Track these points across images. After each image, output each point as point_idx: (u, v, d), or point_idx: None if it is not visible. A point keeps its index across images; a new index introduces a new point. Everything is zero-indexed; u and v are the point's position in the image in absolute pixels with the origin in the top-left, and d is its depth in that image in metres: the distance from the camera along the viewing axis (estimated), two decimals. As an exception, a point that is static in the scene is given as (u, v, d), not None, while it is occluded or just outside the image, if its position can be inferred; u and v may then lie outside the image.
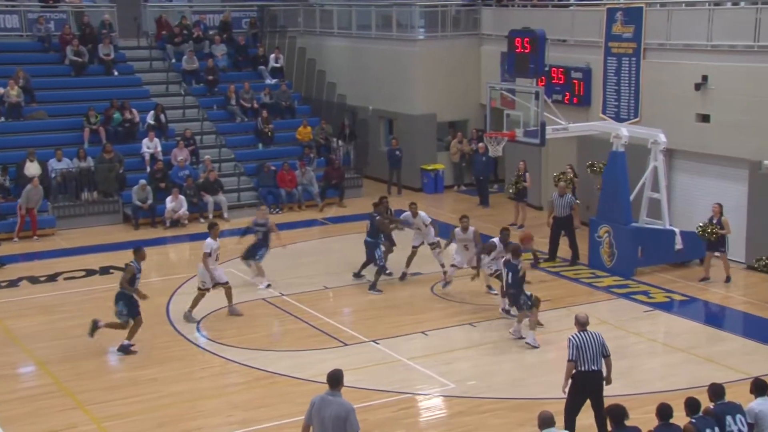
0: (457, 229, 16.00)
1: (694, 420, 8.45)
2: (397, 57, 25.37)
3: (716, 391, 8.84)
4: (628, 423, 8.34)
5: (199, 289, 14.96)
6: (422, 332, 14.16)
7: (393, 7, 26.45)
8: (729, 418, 8.55)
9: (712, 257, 16.44)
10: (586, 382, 9.98)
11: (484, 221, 21.51)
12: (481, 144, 22.37)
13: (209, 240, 14.92)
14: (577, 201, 18.86)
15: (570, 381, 10.07)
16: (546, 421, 8.26)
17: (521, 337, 13.74)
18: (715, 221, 16.33)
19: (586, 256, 17.86)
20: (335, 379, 8.37)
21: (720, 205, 16.42)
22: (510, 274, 14.01)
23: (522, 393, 11.93)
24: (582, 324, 10.14)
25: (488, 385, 12.18)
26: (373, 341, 13.85)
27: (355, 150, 25.26)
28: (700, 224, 16.45)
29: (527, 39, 17.32)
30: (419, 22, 25.80)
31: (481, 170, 23.12)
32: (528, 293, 13.82)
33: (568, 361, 10.01)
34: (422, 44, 25.27)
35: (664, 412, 8.46)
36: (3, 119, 22.51)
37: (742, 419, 8.62)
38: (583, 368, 9.95)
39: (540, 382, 12.18)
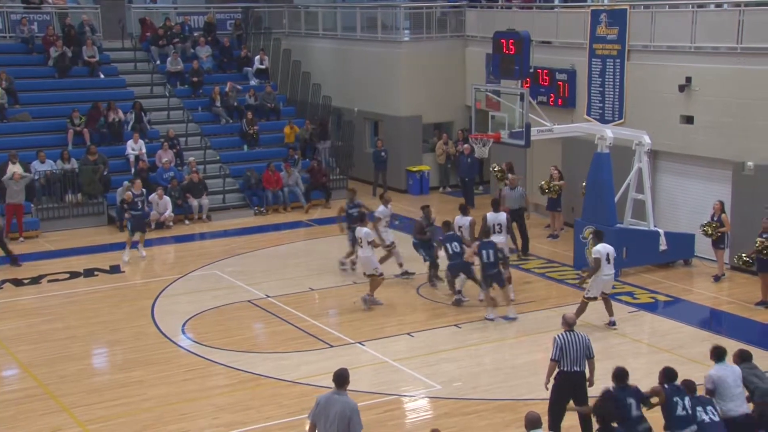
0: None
1: (666, 386, 9.05)
2: (383, 58, 25.37)
3: (669, 374, 9.26)
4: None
5: (371, 276, 15.32)
6: (408, 333, 14.16)
7: (378, 9, 26.45)
8: (677, 399, 9.04)
9: (722, 253, 16.59)
10: (568, 383, 10.00)
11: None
12: (466, 145, 22.41)
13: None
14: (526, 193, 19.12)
15: (553, 381, 10.09)
16: (533, 421, 8.28)
17: (504, 317, 14.42)
18: (716, 219, 16.46)
19: (571, 257, 17.91)
20: (341, 379, 8.53)
21: (721, 203, 16.58)
22: (490, 253, 14.47)
23: (508, 394, 11.94)
24: (569, 324, 10.18)
25: (474, 386, 12.19)
26: (359, 343, 13.83)
27: (332, 150, 25.14)
28: (703, 224, 16.57)
29: (512, 41, 17.37)
30: (404, 23, 25.81)
31: (466, 172, 23.14)
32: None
33: (551, 360, 10.05)
34: (407, 46, 25.29)
35: (620, 375, 9.13)
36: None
37: (689, 402, 9.06)
38: (565, 369, 9.97)
39: (526, 383, 12.20)
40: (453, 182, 24.95)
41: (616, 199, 17.38)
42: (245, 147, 24.38)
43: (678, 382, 9.31)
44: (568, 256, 18.10)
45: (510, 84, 17.99)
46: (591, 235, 14.98)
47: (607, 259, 13.90)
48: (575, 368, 9.95)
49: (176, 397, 12.03)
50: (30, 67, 24.48)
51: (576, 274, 16.12)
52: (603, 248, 13.95)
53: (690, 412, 8.98)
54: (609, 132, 17.30)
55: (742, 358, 9.82)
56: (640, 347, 13.82)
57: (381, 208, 17.30)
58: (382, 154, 24.56)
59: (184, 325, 14.79)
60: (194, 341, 14.08)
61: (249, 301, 15.93)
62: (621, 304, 15.49)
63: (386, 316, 15.13)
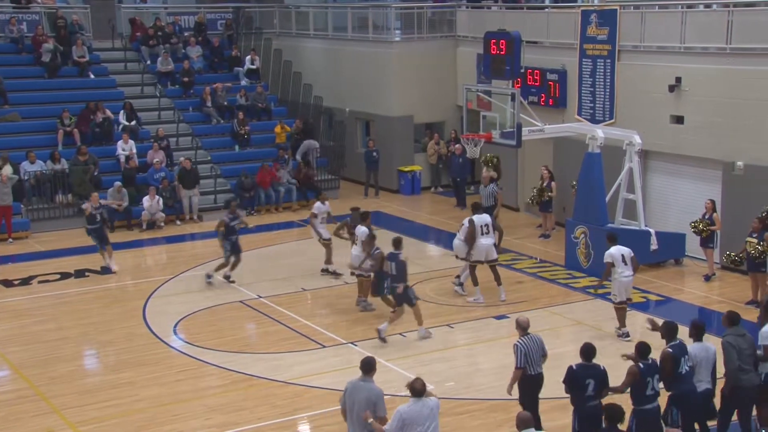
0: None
1: (641, 365, 9.35)
2: (374, 58, 25.38)
3: (643, 350, 9.54)
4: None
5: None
6: (400, 334, 14.16)
7: (369, 9, 26.45)
8: (649, 380, 9.33)
9: (711, 252, 16.69)
10: (534, 384, 10.09)
11: (460, 222, 21.58)
12: (457, 145, 22.45)
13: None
14: (500, 189, 19.20)
15: (517, 385, 10.10)
16: (525, 421, 8.30)
17: (427, 336, 13.89)
18: (707, 217, 16.53)
19: (562, 257, 17.96)
20: (368, 366, 8.80)
21: (712, 201, 16.66)
22: (393, 265, 13.84)
23: (500, 394, 11.89)
24: (524, 328, 10.14)
25: (466, 386, 12.21)
26: (351, 343, 13.83)
27: (325, 151, 25.15)
28: (693, 221, 16.65)
29: (503, 41, 17.42)
30: (395, 23, 25.82)
31: (457, 172, 23.18)
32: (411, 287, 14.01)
33: (517, 368, 10.00)
34: (398, 46, 25.30)
35: (586, 352, 9.42)
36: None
37: (657, 380, 9.44)
38: (531, 372, 10.00)
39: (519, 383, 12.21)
40: (444, 182, 24.98)
41: (607, 198, 17.44)
42: (236, 147, 24.35)
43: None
44: (559, 256, 18.14)
45: (501, 84, 18.03)
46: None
47: (623, 261, 13.66)
48: (539, 370, 10.08)
49: (168, 397, 12.01)
50: (19, 67, 24.39)
51: (592, 281, 15.33)
52: (617, 251, 13.72)
53: (657, 390, 9.42)
54: (600, 132, 17.36)
55: (732, 320, 10.13)
56: (631, 347, 13.80)
57: (317, 204, 17.47)
58: (374, 154, 24.57)
59: (176, 325, 14.76)
60: (186, 342, 14.05)
61: (241, 301, 15.92)
62: (613, 303, 15.52)
63: (378, 316, 15.11)
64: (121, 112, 23.38)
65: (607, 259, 13.70)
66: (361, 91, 25.73)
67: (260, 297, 16.08)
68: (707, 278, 16.70)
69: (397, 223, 21.19)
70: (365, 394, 8.63)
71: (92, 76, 24.81)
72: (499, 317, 14.95)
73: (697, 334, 10.03)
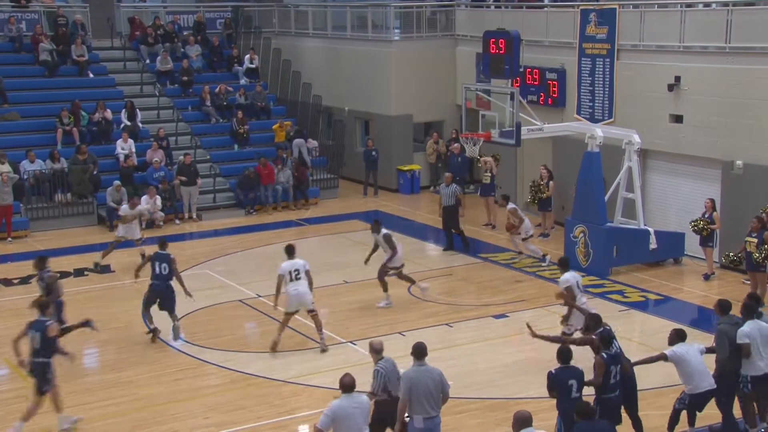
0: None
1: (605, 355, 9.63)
2: (373, 58, 25.38)
3: (606, 339, 9.82)
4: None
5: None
6: (399, 333, 14.18)
7: (368, 8, 26.45)
8: (613, 368, 9.60)
9: (710, 251, 16.70)
10: (387, 410, 9.34)
11: (460, 221, 21.58)
12: (456, 144, 22.45)
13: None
14: (461, 191, 19.36)
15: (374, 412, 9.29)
16: (522, 420, 8.28)
17: None
18: (707, 216, 16.54)
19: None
20: (422, 350, 9.17)
21: (712, 200, 16.67)
22: (163, 267, 13.48)
23: (499, 393, 11.98)
24: (378, 351, 9.54)
25: (465, 385, 12.20)
26: (351, 342, 13.84)
27: (324, 150, 25.17)
28: (693, 220, 16.66)
29: (502, 40, 17.43)
30: (394, 22, 25.82)
31: (456, 171, 23.12)
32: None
33: (374, 394, 9.30)
34: (398, 45, 25.30)
35: (563, 355, 9.43)
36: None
37: (619, 369, 9.71)
38: (394, 395, 9.33)
39: (516, 382, 12.24)
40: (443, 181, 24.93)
41: (606, 198, 17.44)
42: (236, 146, 24.35)
43: None
44: (558, 255, 18.10)
45: (500, 83, 18.04)
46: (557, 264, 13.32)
47: (578, 287, 12.69)
48: (397, 394, 9.24)
49: (167, 396, 12.01)
50: (19, 66, 24.37)
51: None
52: (572, 276, 12.63)
53: (619, 378, 9.66)
54: (599, 131, 17.37)
55: (723, 309, 10.40)
56: (631, 345, 13.85)
57: (124, 206, 18.25)
58: (373, 153, 24.56)
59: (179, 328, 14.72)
60: (185, 341, 14.04)
61: (240, 300, 15.92)
62: (611, 302, 15.56)
63: (377, 315, 15.15)
64: (123, 111, 23.38)
65: (564, 285, 12.56)
66: (360, 90, 25.72)
67: (259, 296, 16.09)
68: (707, 277, 16.71)
69: (396, 222, 21.18)
70: (432, 375, 9.08)
71: (91, 76, 24.80)
72: (498, 316, 14.96)
73: (748, 313, 10.29)
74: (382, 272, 15.36)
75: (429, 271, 17.61)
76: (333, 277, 17.10)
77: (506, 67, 17.41)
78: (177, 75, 25.44)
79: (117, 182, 21.15)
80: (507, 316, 14.92)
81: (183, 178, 21.73)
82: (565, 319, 12.91)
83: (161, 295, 13.82)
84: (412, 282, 15.82)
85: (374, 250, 15.55)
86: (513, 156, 21.79)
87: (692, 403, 10.16)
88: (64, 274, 17.58)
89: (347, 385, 8.69)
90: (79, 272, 17.74)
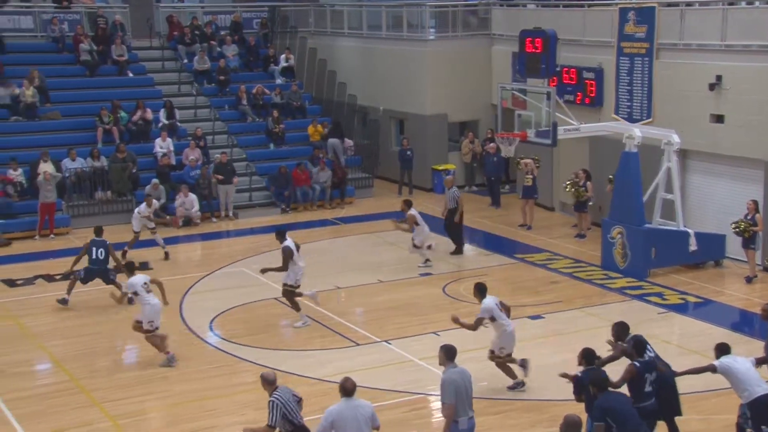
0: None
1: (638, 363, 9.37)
2: (408, 57, 25.37)
3: (639, 346, 9.64)
4: None
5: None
6: (434, 332, 14.14)
7: (403, 8, 26.45)
8: (647, 376, 9.38)
9: (753, 253, 16.42)
10: None
11: (495, 221, 21.56)
12: (492, 144, 22.37)
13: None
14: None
15: None
16: (572, 426, 8.05)
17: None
18: (749, 217, 16.29)
19: (598, 257, 17.81)
20: (454, 352, 9.32)
21: (755, 202, 16.40)
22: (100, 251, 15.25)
23: (534, 394, 11.90)
24: (271, 382, 9.13)
25: (500, 385, 12.14)
26: (385, 341, 13.84)
27: (359, 150, 25.24)
28: (735, 221, 16.42)
29: (538, 39, 17.33)
30: (430, 22, 25.78)
31: (492, 171, 23.11)
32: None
33: (270, 426, 8.99)
34: (433, 44, 25.25)
35: (589, 356, 9.36)
36: (19, 119, 22.62)
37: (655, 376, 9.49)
38: (296, 423, 9.12)
39: (552, 384, 12.11)
40: (479, 181, 24.89)
41: (645, 198, 17.25)
42: (271, 145, 24.50)
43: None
44: (595, 256, 17.99)
45: (536, 83, 17.95)
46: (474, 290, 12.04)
47: (501, 308, 11.80)
48: (301, 421, 9.14)
49: (203, 393, 12.11)
50: (60, 66, 24.73)
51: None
52: (491, 300, 11.69)
53: (654, 387, 9.42)
54: (637, 131, 17.18)
55: (722, 350, 9.89)
56: (669, 348, 13.69)
57: (142, 206, 18.48)
58: (408, 152, 24.55)
59: (211, 321, 14.88)
60: (221, 338, 14.16)
61: (275, 298, 15.99)
62: (650, 305, 15.38)
63: (412, 315, 15.14)
64: (161, 110, 23.64)
65: (481, 314, 11.66)
66: (395, 89, 25.73)
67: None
68: (749, 280, 16.44)
69: (431, 221, 21.07)
70: (467, 376, 9.25)
71: (131, 75, 25.10)
72: (534, 317, 14.87)
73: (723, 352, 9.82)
74: (288, 292, 14.49)
75: (463, 271, 17.56)
76: (367, 277, 17.13)
77: (542, 67, 17.31)
78: (214, 74, 25.66)
79: (155, 180, 21.38)
80: (543, 318, 14.82)
81: (219, 177, 21.92)
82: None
83: (99, 275, 15.43)
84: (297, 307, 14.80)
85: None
86: (549, 156, 21.64)
87: (754, 414, 9.48)
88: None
89: (348, 390, 8.60)
90: (118, 269, 17.91)
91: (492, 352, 11.94)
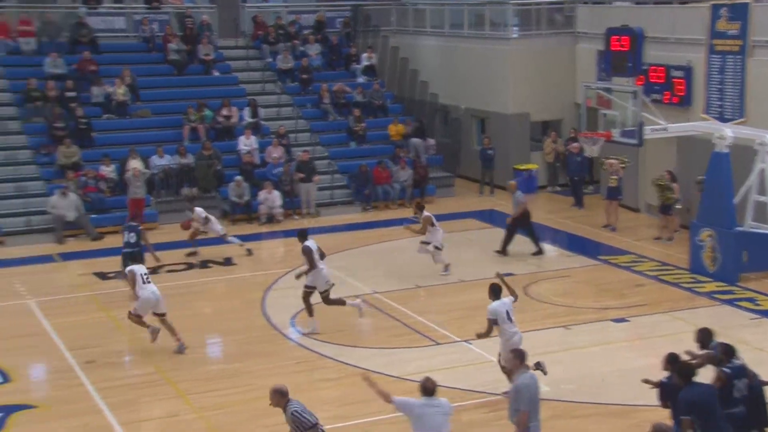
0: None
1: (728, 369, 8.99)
2: (490, 56, 25.20)
3: (729, 351, 9.20)
4: None
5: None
6: (515, 333, 14.00)
7: (486, 6, 26.29)
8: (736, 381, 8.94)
9: None
10: None
11: (579, 222, 21.25)
12: (575, 144, 22.04)
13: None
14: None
15: None
16: None
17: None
18: None
19: (686, 260, 17.35)
20: (526, 356, 9.19)
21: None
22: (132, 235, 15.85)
23: (618, 398, 11.68)
24: (284, 394, 9.01)
25: (583, 389, 11.97)
26: (465, 341, 13.79)
27: (440, 149, 25.21)
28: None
29: (625, 37, 17.04)
30: (513, 20, 25.56)
31: (576, 171, 22.75)
32: None
33: None
34: (516, 43, 25.02)
35: (674, 360, 9.01)
36: (111, 117, 23.35)
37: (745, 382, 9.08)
38: None
39: (637, 388, 11.84)
40: (562, 181, 24.56)
41: (736, 201, 16.72)
42: (353, 143, 24.67)
43: None
44: (682, 259, 17.54)
45: (622, 81, 17.61)
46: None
47: (508, 317, 11.52)
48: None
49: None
50: (150, 66, 25.41)
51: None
52: (501, 306, 11.41)
53: (744, 394, 9.06)
54: (728, 131, 16.67)
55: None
56: (763, 356, 13.25)
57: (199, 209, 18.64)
58: (489, 152, 24.40)
59: (293, 318, 15.07)
60: (303, 334, 14.32)
61: (356, 296, 16.09)
62: (741, 310, 14.91)
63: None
64: (246, 108, 24.07)
65: (490, 316, 11.38)
66: (476, 88, 25.59)
67: (375, 292, 16.24)
68: None
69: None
70: (537, 381, 9.17)
71: (217, 74, 25.63)
72: (618, 320, 14.59)
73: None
74: (306, 295, 14.26)
75: (545, 272, 17.36)
76: (447, 276, 17.09)
77: (629, 65, 17.03)
78: (297, 73, 25.98)
79: (238, 177, 21.79)
80: (627, 321, 14.53)
81: (301, 175, 22.19)
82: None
83: (131, 258, 15.66)
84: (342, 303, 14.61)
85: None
86: (635, 157, 21.17)
87: None
88: (190, 266, 18.27)
89: (428, 390, 8.61)
90: (204, 264, 18.36)
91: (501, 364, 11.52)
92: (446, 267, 17.09)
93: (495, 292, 11.52)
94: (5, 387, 12.38)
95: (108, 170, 21.52)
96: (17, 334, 14.29)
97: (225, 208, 22.04)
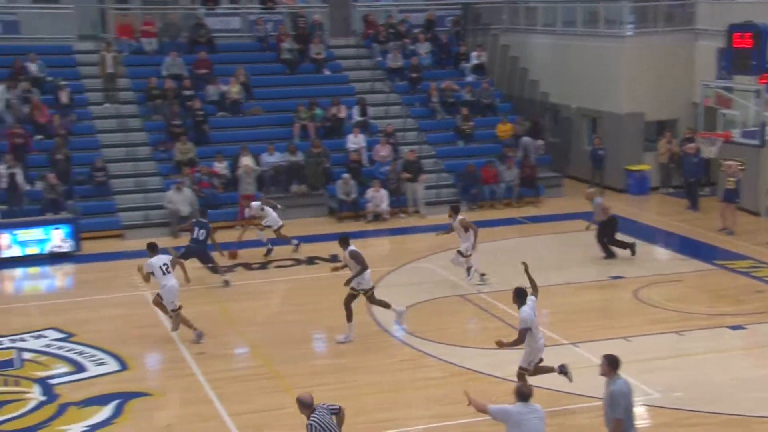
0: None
1: None
2: (604, 54, 24.64)
3: None
4: None
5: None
6: (624, 338, 13.67)
7: (600, 3, 25.71)
8: None
9: None
10: None
11: (693, 225, 20.56)
12: (692, 144, 21.31)
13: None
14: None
15: None
16: None
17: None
18: None
19: (808, 266, 16.54)
20: (619, 363, 8.88)
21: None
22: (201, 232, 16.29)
23: (734, 408, 11.22)
24: (308, 405, 8.83)
25: (696, 397, 11.55)
26: (572, 344, 13.53)
27: (549, 148, 24.81)
28: None
29: (748, 33, 16.36)
30: (628, 17, 24.92)
31: (691, 172, 21.98)
32: None
33: None
34: (631, 40, 24.37)
35: None
36: (225, 114, 24.05)
37: None
38: None
39: (755, 398, 11.39)
40: (675, 183, 23.78)
41: None
42: (460, 142, 24.59)
43: None
44: (805, 266, 16.71)
45: (744, 80, 16.90)
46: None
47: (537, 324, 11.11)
48: None
49: (389, 385, 12.34)
50: (263, 64, 25.99)
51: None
52: (531, 311, 10.93)
53: None
54: None
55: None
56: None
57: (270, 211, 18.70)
58: (600, 152, 23.86)
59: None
60: (408, 332, 14.37)
61: (461, 295, 16.05)
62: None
63: (600, 318, 14.74)
64: (355, 107, 24.34)
65: (523, 324, 10.89)
66: (589, 87, 25.08)
67: (481, 292, 16.13)
68: None
69: (623, 224, 20.39)
70: (631, 388, 8.90)
71: (327, 73, 26.01)
72: (735, 327, 14.02)
73: None
74: (349, 298, 13.84)
75: (656, 276, 16.84)
76: (555, 277, 16.77)
77: (752, 63, 16.35)
78: (406, 72, 26.08)
79: (346, 175, 22.05)
80: (745, 328, 13.94)
81: (408, 174, 22.25)
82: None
83: (197, 254, 16.43)
84: (387, 306, 14.22)
85: (343, 266, 14.23)
86: (755, 158, 20.27)
87: None
88: (298, 262, 18.62)
89: (525, 395, 8.48)
90: (311, 260, 18.67)
91: (522, 368, 11.16)
92: (468, 271, 16.44)
93: (521, 296, 11.04)
94: (124, 375, 12.92)
95: (221, 167, 22.17)
96: (135, 325, 14.87)
97: (332, 206, 22.34)
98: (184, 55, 24.86)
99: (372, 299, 14.03)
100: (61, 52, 24.76)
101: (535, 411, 8.49)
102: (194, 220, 17.23)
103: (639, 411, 11.41)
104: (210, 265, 16.85)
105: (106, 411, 11.57)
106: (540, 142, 24.64)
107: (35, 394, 12.20)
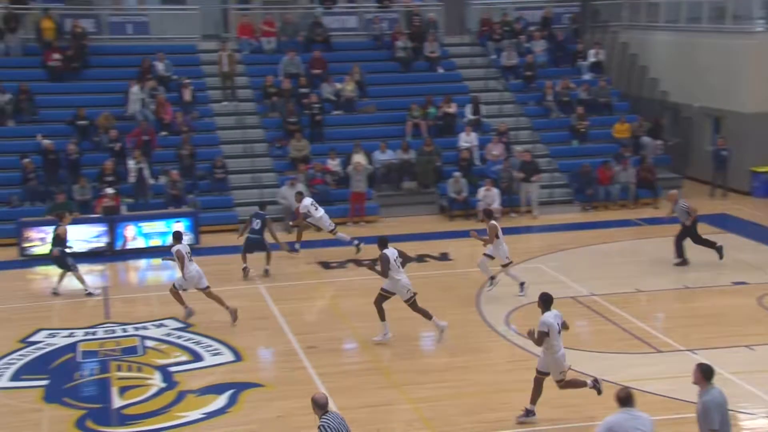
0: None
1: None
2: (730, 51, 23.65)
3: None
4: None
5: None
6: (747, 346, 13.10)
7: (728, -2, 24.74)
8: None
9: None
10: None
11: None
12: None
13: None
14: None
15: None
16: None
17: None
18: None
19: None
20: (712, 372, 8.51)
21: None
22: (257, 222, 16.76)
23: None
24: (322, 406, 8.53)
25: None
26: (690, 351, 13.05)
27: (668, 149, 23.99)
28: None
29: None
30: (759, 12, 23.82)
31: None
32: None
33: None
34: (761, 36, 23.35)
35: None
36: (339, 112, 24.39)
37: None
38: None
39: None
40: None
41: None
42: (575, 142, 24.10)
43: None
44: None
45: None
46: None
47: (559, 330, 10.96)
48: None
49: (499, 385, 12.24)
50: (377, 63, 26.21)
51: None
52: (554, 318, 10.86)
53: None
54: None
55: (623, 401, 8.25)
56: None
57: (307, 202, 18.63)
58: (723, 152, 22.93)
59: (508, 315, 14.99)
60: (517, 332, 14.21)
61: (572, 297, 15.74)
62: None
63: (720, 325, 14.17)
64: (468, 105, 24.23)
65: (541, 327, 10.81)
66: (712, 85, 24.14)
67: (593, 294, 15.79)
68: None
69: (748, 228, 19.62)
70: (726, 398, 8.52)
71: (441, 71, 25.97)
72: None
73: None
74: (379, 298, 13.77)
75: (784, 283, 16.06)
76: (673, 281, 16.31)
77: None
78: (521, 70, 25.76)
79: (457, 174, 21.98)
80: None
81: (521, 175, 21.99)
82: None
83: (255, 245, 17.05)
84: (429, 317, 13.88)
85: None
86: None
87: None
88: (407, 259, 18.65)
89: (623, 399, 8.21)
90: (420, 258, 18.69)
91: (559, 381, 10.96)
92: (491, 280, 15.90)
93: (546, 302, 10.93)
94: (239, 365, 13.27)
95: (333, 164, 22.49)
96: (250, 317, 15.23)
97: (443, 204, 22.32)
98: (301, 54, 25.34)
99: (414, 307, 13.81)
100: (185, 51, 25.69)
101: (637, 418, 8.20)
102: (253, 213, 17.68)
103: (761, 423, 10.96)
104: (267, 252, 17.36)
105: (221, 400, 11.93)
106: (659, 142, 23.88)
107: (156, 380, 12.70)
